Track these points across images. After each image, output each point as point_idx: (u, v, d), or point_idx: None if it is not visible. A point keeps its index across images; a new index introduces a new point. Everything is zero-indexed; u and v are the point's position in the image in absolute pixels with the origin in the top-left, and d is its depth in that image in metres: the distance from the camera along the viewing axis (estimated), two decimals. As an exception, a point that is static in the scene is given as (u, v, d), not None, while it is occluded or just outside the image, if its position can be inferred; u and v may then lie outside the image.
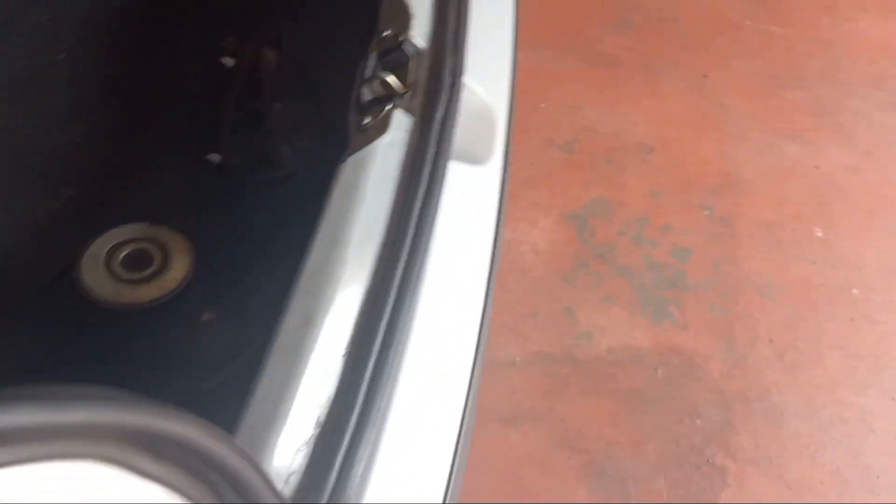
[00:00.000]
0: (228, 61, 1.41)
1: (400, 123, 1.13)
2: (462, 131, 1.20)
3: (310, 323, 0.92)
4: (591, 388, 2.09)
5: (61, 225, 1.23)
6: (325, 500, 0.80)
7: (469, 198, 1.22)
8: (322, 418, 0.88)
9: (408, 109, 1.16)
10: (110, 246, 1.18)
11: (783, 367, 2.19)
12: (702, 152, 2.67)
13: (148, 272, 1.17)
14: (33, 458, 0.46)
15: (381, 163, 1.08)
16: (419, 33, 1.28)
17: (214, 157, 1.26)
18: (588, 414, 2.05)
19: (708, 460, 2.01)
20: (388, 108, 1.14)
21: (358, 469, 0.85)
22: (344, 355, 0.93)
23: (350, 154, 1.09)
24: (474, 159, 1.26)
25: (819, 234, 2.50)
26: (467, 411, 1.08)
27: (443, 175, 1.10)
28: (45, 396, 0.45)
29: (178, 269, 1.16)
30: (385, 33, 1.29)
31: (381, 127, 1.12)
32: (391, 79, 1.18)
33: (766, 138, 2.75)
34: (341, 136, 1.19)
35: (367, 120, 1.15)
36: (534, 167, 2.54)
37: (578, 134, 2.66)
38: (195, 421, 0.53)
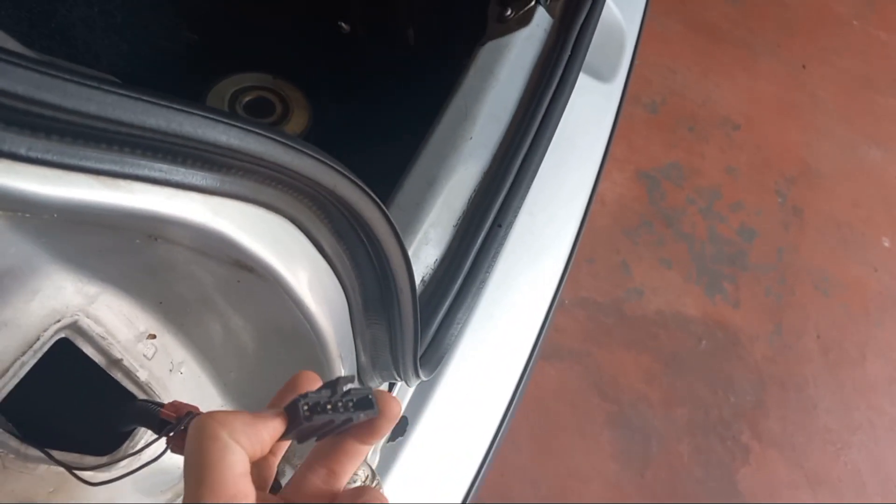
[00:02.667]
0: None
1: (541, 21, 1.12)
2: (594, 45, 1.19)
3: (431, 185, 0.94)
4: (633, 343, 2.11)
5: (185, 66, 1.24)
6: (422, 351, 0.82)
7: (587, 111, 1.22)
8: (427, 278, 0.90)
9: (550, 10, 1.15)
10: (235, 89, 1.19)
11: (825, 363, 2.19)
12: (786, 139, 2.62)
13: (268, 121, 1.19)
14: (245, 196, 0.48)
15: (517, 53, 1.08)
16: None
17: (344, 27, 1.26)
18: (625, 366, 2.07)
19: (734, 435, 2.03)
20: (532, 3, 1.14)
21: (455, 329, 0.87)
22: (455, 225, 0.94)
23: (489, 40, 1.09)
24: (598, 75, 1.26)
25: (886, 243, 2.47)
26: (554, 304, 1.09)
27: (573, 81, 1.10)
28: (275, 134, 0.46)
29: (297, 123, 1.17)
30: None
31: (523, 20, 1.12)
32: (537, -24, 1.17)
33: (851, 138, 2.70)
34: (470, 24, 1.18)
35: (508, 12, 1.14)
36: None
37: (666, 96, 2.62)
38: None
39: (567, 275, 1.15)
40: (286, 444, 0.46)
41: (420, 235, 0.89)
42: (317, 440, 0.45)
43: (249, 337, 0.61)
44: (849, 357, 2.21)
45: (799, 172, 2.56)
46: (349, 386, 0.44)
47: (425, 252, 0.90)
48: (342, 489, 0.45)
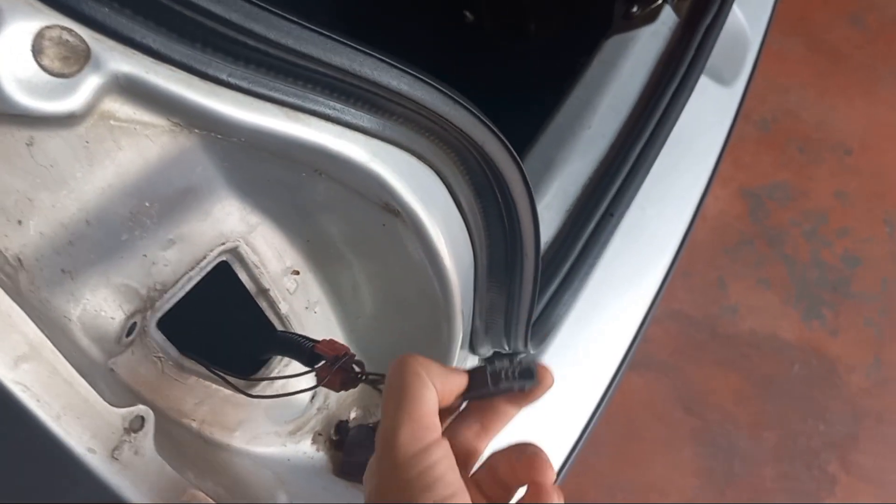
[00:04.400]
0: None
1: (667, 19, 1.13)
2: (717, 47, 1.19)
3: (548, 169, 0.96)
4: (724, 361, 2.07)
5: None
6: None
7: (706, 113, 1.22)
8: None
9: (676, 9, 1.15)
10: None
11: (925, 402, 2.09)
12: (902, 169, 2.53)
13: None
14: (402, 143, 0.51)
15: (641, 48, 1.09)
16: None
17: (469, 16, 1.29)
18: (714, 384, 2.03)
19: (821, 465, 1.96)
20: (659, 1, 1.14)
21: (562, 309, 0.89)
22: (568, 210, 0.96)
23: (614, 34, 1.11)
24: (719, 78, 1.25)
25: None
26: (659, 295, 1.10)
27: (695, 81, 1.10)
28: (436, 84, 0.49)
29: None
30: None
31: (649, 17, 1.13)
32: (665, -24, 1.17)
33: (973, 176, 2.57)
34: (593, 19, 1.20)
35: (634, 9, 1.15)
36: (724, 134, 2.48)
37: (779, 115, 2.56)
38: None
39: (669, 278, 1.15)
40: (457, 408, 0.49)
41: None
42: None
43: (380, 285, 0.64)
44: (951, 398, 2.11)
45: (912, 204, 2.46)
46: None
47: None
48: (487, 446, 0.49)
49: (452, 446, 0.48)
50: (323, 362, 0.52)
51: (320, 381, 0.52)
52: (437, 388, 0.45)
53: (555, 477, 0.47)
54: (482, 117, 0.53)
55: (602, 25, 1.15)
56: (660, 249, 1.13)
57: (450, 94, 0.50)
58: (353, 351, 0.69)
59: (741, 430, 1.98)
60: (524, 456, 0.47)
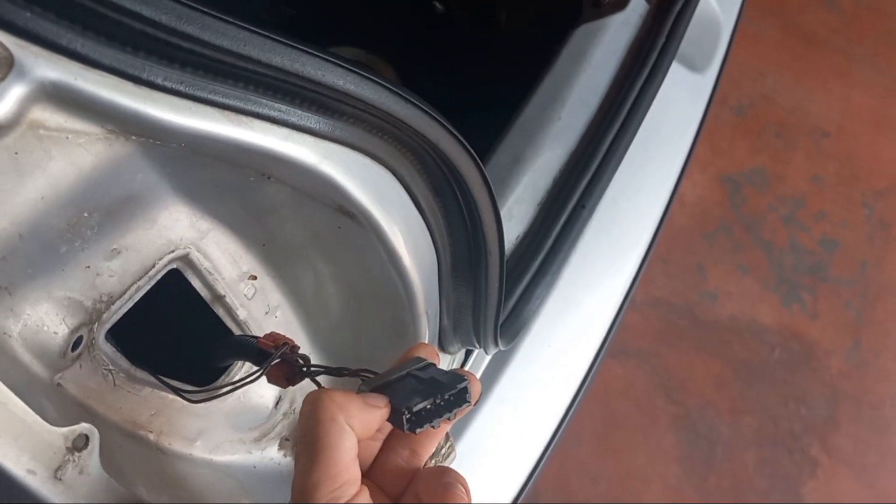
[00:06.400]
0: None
1: (636, 6, 1.12)
2: (688, 33, 1.18)
3: (518, 163, 0.95)
4: (704, 347, 2.07)
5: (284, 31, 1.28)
6: (502, 320, 0.83)
7: (678, 100, 1.21)
8: (509, 252, 0.91)
9: (646, -4, 1.14)
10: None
11: (905, 384, 2.11)
12: (878, 151, 2.53)
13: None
14: (354, 143, 0.50)
15: (611, 37, 1.07)
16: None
17: (439, 7, 1.28)
18: (694, 370, 2.04)
19: (802, 448, 1.98)
20: (627, -11, 1.13)
21: (534, 304, 0.88)
22: (539, 203, 0.95)
23: (583, 23, 1.09)
24: (691, 65, 1.25)
25: (978, 265, 2.36)
26: (630, 294, 1.09)
27: (666, 69, 1.09)
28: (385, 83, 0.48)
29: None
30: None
31: (619, 5, 1.11)
32: (633, -38, 1.16)
33: (949, 157, 2.59)
34: (564, 8, 1.18)
35: (604, -4, 1.14)
36: (701, 120, 2.48)
37: (755, 100, 2.56)
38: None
39: (644, 268, 1.14)
40: (389, 427, 0.47)
41: (504, 211, 0.91)
42: None
43: (342, 287, 0.63)
44: (931, 380, 2.13)
45: (889, 186, 2.47)
46: (438, 372, 0.45)
47: (508, 227, 0.91)
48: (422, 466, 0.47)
49: (383, 476, 0.46)
50: (273, 360, 0.51)
51: (263, 373, 0.51)
52: (356, 430, 0.41)
53: None
54: (435, 115, 0.52)
55: (573, 15, 1.14)
56: (634, 239, 1.13)
57: (400, 92, 0.49)
58: (316, 350, 0.68)
59: (722, 416, 1.98)
60: (440, 485, 0.44)
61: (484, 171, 0.56)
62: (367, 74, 0.47)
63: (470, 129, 1.10)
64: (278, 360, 0.50)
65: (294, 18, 1.34)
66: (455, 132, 0.53)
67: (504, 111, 1.05)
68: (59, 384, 0.47)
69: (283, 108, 0.46)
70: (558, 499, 1.87)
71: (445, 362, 0.80)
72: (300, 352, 0.51)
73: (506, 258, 0.88)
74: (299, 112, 0.47)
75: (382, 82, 0.47)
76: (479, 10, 1.29)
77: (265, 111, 0.46)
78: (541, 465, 1.06)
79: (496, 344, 0.79)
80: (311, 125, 0.48)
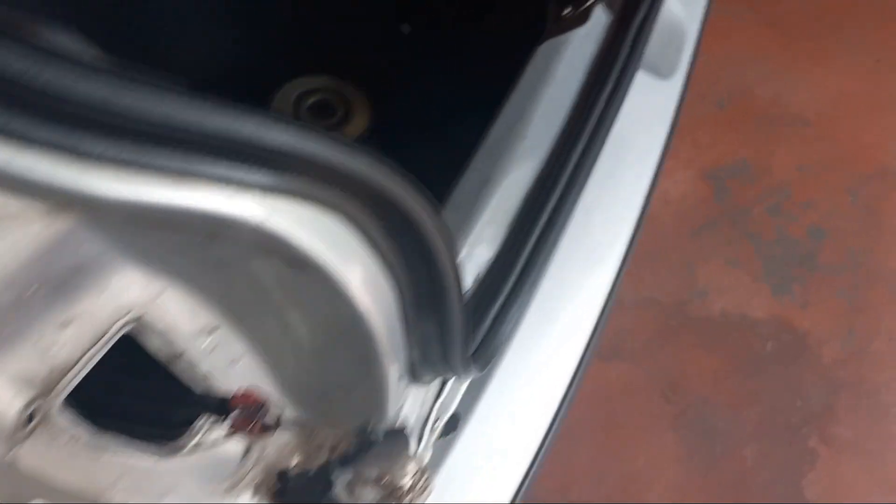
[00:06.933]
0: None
1: (599, 19, 1.12)
2: (652, 41, 1.18)
3: (486, 185, 0.95)
4: (697, 345, 2.07)
5: (255, 69, 1.29)
6: (475, 346, 0.84)
7: (646, 108, 1.22)
8: (481, 276, 0.91)
9: (609, 6, 1.14)
10: (300, 91, 1.24)
11: (900, 367, 2.11)
12: (861, 137, 2.53)
13: (330, 122, 1.23)
14: (301, 194, 0.50)
15: (574, 52, 1.08)
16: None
17: (405, 28, 1.28)
18: (689, 368, 2.04)
19: (801, 440, 1.97)
20: (590, 2, 1.13)
21: (508, 326, 0.88)
22: (509, 224, 0.95)
23: (546, 39, 1.10)
24: (657, 72, 1.25)
25: (966, 243, 2.36)
26: (609, 303, 1.09)
27: (630, 80, 1.10)
28: (328, 137, 0.48)
29: (358, 124, 1.21)
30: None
31: (581, 18, 1.12)
32: (596, -26, 1.16)
33: (932, 135, 2.58)
34: (532, 23, 1.19)
35: (566, 10, 1.14)
36: (682, 117, 2.47)
37: (734, 92, 2.56)
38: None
39: (622, 275, 1.15)
40: None
41: (474, 234, 0.91)
42: None
43: (305, 332, 0.63)
44: (925, 362, 2.13)
45: (874, 172, 2.47)
46: None
47: (480, 250, 0.91)
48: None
49: None
50: (238, 411, 0.51)
51: (237, 431, 0.51)
52: None
53: None
54: (381, 163, 0.52)
55: (539, 32, 1.15)
56: (608, 250, 1.13)
57: (342, 143, 0.49)
58: (283, 396, 0.68)
59: (720, 412, 1.98)
60: None
61: (434, 214, 0.57)
62: (308, 128, 0.47)
63: (445, 148, 1.11)
64: (247, 418, 0.50)
65: (265, 50, 1.35)
66: (404, 179, 0.53)
67: (478, 128, 1.05)
68: (11, 463, 0.47)
69: (226, 169, 0.46)
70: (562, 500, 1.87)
71: (421, 392, 0.81)
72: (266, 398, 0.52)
73: (476, 286, 0.89)
74: (243, 171, 0.47)
75: (323, 136, 0.48)
76: (447, 30, 1.29)
77: (208, 172, 0.46)
78: (530, 476, 1.06)
79: (469, 371, 0.79)
80: (256, 182, 0.48)
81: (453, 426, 0.90)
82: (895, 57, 2.76)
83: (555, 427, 1.07)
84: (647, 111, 1.21)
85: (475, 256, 0.91)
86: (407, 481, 0.65)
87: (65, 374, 0.49)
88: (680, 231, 2.27)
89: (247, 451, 0.65)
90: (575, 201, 0.99)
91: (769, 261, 2.25)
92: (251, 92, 1.24)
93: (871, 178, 2.46)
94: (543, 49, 1.07)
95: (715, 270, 2.21)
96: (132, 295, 0.52)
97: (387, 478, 0.63)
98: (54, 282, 0.46)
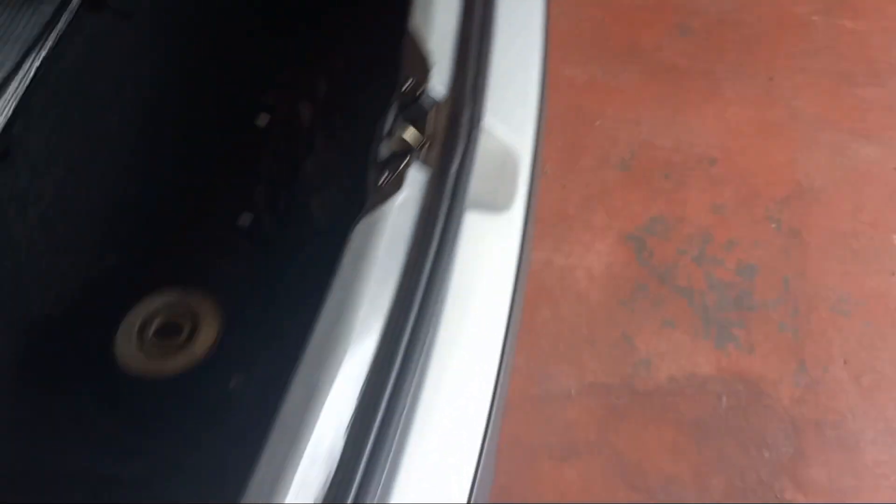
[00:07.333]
0: (263, 120, 1.43)
1: (413, 180, 1.11)
2: (481, 180, 1.18)
3: (312, 397, 0.92)
4: (651, 420, 2.02)
5: (102, 292, 1.28)
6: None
7: (487, 247, 1.20)
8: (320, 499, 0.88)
9: (425, 161, 1.14)
10: (144, 315, 1.22)
11: (859, 390, 2.06)
12: (769, 161, 2.54)
13: (177, 342, 1.21)
14: None
15: (392, 224, 1.06)
16: (440, 81, 1.25)
17: (245, 221, 1.28)
18: (647, 447, 1.98)
19: (776, 494, 1.91)
20: (403, 164, 1.13)
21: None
22: (346, 432, 0.92)
23: (364, 215, 1.08)
24: (494, 207, 1.23)
25: (899, 243, 2.35)
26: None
27: (456, 230, 1.08)
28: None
29: (205, 338, 1.19)
30: (406, 85, 1.27)
31: (397, 184, 1.11)
32: (408, 133, 1.16)
33: (839, 141, 2.59)
34: (366, 193, 1.18)
35: (384, 177, 1.14)
36: (589, 187, 2.48)
37: (635, 149, 2.58)
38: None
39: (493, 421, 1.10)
40: None
41: (304, 459, 0.87)
42: None
43: None
44: (884, 377, 2.08)
45: (790, 193, 2.46)
46: None
47: (315, 474, 0.88)
48: None
49: None
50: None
51: None
52: None
53: None
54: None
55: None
56: (474, 400, 1.09)
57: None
58: None
59: (687, 486, 1.92)
60: None
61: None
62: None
63: (288, 347, 1.08)
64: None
65: (116, 268, 1.34)
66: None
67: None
68: None
69: None
70: None
71: None
72: None
73: None
74: None
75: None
76: (287, 209, 1.29)
77: None
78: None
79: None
80: None
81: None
82: (787, 69, 2.80)
83: None
84: (490, 247, 1.19)
85: (309, 480, 0.87)
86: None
87: None
88: (610, 304, 2.24)
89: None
90: (423, 364, 0.97)
91: (705, 312, 2.22)
92: (88, 327, 1.22)
93: (788, 200, 2.46)
94: (359, 230, 1.06)
95: (653, 335, 2.18)
96: None
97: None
98: None
